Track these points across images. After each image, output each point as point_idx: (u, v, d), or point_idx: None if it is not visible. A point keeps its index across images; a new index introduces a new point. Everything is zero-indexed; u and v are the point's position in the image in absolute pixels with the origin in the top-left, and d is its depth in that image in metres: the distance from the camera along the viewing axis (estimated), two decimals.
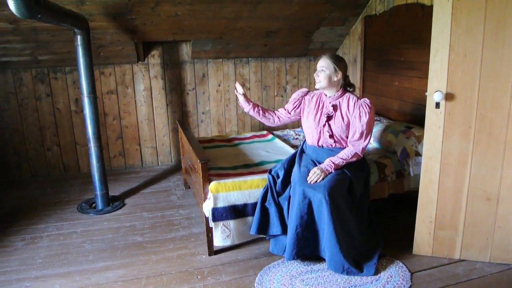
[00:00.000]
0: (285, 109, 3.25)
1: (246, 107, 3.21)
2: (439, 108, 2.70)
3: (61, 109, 4.90)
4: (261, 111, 3.24)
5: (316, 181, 2.81)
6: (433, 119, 2.75)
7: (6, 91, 4.71)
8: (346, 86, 3.03)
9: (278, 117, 3.28)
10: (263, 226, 2.97)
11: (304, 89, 3.24)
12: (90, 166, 4.04)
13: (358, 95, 3.10)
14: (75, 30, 3.64)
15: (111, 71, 4.93)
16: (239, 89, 3.20)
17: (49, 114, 4.88)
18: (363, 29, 4.82)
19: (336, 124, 2.99)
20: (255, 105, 3.23)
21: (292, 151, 3.54)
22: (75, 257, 3.17)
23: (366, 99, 2.98)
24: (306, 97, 3.17)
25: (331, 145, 3.03)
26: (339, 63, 2.96)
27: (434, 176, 2.83)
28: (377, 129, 3.93)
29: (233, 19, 4.47)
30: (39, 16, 2.63)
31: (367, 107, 2.91)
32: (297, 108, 3.20)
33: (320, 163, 2.97)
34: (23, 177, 4.99)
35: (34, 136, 4.91)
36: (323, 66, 2.92)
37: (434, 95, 2.67)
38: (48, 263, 3.09)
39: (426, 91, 2.76)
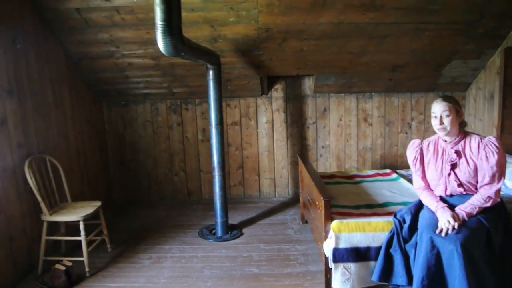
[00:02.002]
0: (421, 179, 2.91)
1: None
2: None
3: (189, 137, 5.25)
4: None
5: (447, 232, 2.54)
6: None
7: (144, 120, 5.21)
8: (462, 126, 2.77)
9: (430, 187, 2.92)
10: (387, 273, 2.77)
11: (416, 141, 2.95)
12: (213, 194, 4.21)
13: (480, 134, 2.77)
14: (208, 65, 3.90)
15: (236, 103, 5.17)
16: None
17: (178, 142, 5.27)
18: (503, 62, 4.38)
19: (463, 171, 2.70)
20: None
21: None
22: (195, 281, 3.29)
23: (491, 137, 2.67)
24: (422, 147, 2.92)
25: (462, 193, 2.74)
26: (458, 104, 2.72)
27: None
28: None
29: (358, 53, 4.41)
30: (183, 54, 2.87)
31: (494, 146, 2.61)
32: (422, 165, 2.92)
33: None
34: (152, 198, 5.41)
35: (164, 162, 5.32)
36: (446, 111, 2.66)
37: None
38: (171, 284, 3.26)
39: None
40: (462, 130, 2.76)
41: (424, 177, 2.90)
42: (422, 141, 2.93)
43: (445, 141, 2.78)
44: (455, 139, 2.75)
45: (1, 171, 3.18)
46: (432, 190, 2.86)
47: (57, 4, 3.67)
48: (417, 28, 4.06)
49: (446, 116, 2.66)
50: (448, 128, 2.67)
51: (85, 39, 4.09)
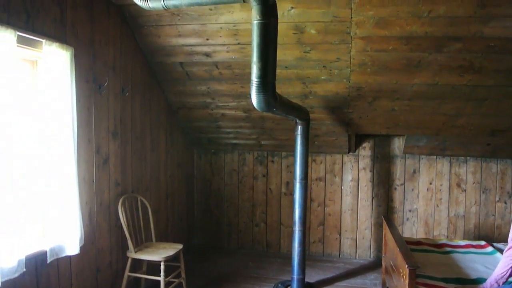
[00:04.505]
0: None
1: None
2: None
3: (273, 189, 5.30)
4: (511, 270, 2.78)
5: None
6: None
7: (231, 169, 5.39)
8: None
9: None
10: None
11: None
12: (292, 249, 4.14)
13: None
14: (297, 120, 3.98)
15: (322, 159, 5.15)
16: None
17: (262, 193, 5.34)
18: None
19: None
20: (506, 276, 2.79)
21: None
22: None
23: None
24: None
25: None
26: None
27: None
28: None
29: (454, 115, 4.22)
30: (274, 109, 2.96)
31: None
32: None
33: None
34: (231, 246, 5.47)
35: (246, 211, 5.40)
36: None
37: None
38: None
39: None
40: None
41: None
42: None
43: None
44: None
45: (98, 205, 3.44)
46: None
47: (164, 58, 4.06)
48: None
49: None
50: None
51: (185, 90, 4.43)
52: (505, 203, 4.90)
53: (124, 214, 3.59)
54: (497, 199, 4.91)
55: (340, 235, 5.20)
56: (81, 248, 3.10)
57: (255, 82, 2.60)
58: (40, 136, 2.84)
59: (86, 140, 3.30)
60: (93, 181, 3.39)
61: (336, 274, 4.63)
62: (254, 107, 3.01)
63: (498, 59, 3.48)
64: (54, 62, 2.82)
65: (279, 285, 4.22)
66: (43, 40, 2.74)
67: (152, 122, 4.35)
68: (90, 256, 3.36)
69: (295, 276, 4.08)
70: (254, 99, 2.69)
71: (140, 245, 3.79)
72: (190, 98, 4.55)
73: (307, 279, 4.27)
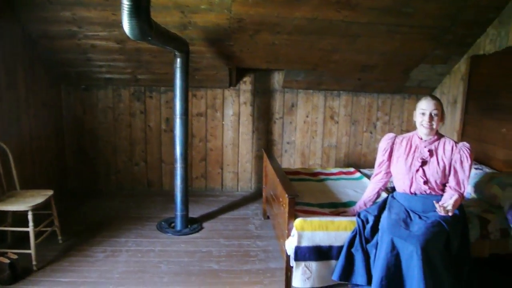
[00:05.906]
0: (385, 172, 3.02)
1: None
2: None
3: (152, 126, 5.08)
4: (377, 194, 3.12)
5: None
6: None
7: (105, 106, 4.99)
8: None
9: (385, 183, 3.08)
10: (347, 272, 2.76)
11: (391, 134, 3.02)
12: (174, 186, 4.08)
13: (454, 139, 2.84)
14: (176, 52, 3.75)
15: (203, 94, 5.03)
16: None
17: (140, 130, 5.08)
18: (468, 69, 4.47)
19: (431, 170, 2.75)
20: (373, 199, 3.12)
21: (383, 194, 3.29)
22: (150, 276, 3.16)
23: (465, 143, 2.78)
24: (395, 141, 2.96)
25: (425, 192, 2.77)
26: (443, 106, 2.81)
27: None
28: (478, 178, 3.56)
29: (330, 51, 4.37)
30: (149, 38, 2.71)
31: (468, 150, 2.72)
32: (389, 160, 3.00)
33: (413, 212, 2.74)
34: (110, 188, 5.20)
35: (124, 150, 5.13)
36: (435, 110, 2.72)
37: None
38: (125, 279, 3.11)
39: None
40: (438, 132, 2.85)
41: (383, 171, 3.01)
42: (396, 136, 2.99)
43: (421, 138, 2.85)
44: (430, 138, 2.82)
45: None
46: (380, 186, 3.06)
47: None
48: (390, 30, 4.07)
49: (435, 114, 2.73)
50: (434, 127, 2.75)
51: (46, 17, 3.83)
52: (371, 133, 5.37)
53: None
54: (364, 129, 5.36)
55: (222, 169, 5.26)
56: None
57: (127, 6, 2.32)
58: None
59: None
60: None
61: (219, 207, 4.72)
62: (128, 38, 2.73)
63: None
64: None
65: (163, 223, 4.17)
66: None
67: (6, 55, 3.74)
68: None
69: (179, 213, 4.05)
70: (126, 25, 2.41)
71: (2, 195, 3.36)
72: (52, 26, 3.96)
73: (191, 215, 4.28)
